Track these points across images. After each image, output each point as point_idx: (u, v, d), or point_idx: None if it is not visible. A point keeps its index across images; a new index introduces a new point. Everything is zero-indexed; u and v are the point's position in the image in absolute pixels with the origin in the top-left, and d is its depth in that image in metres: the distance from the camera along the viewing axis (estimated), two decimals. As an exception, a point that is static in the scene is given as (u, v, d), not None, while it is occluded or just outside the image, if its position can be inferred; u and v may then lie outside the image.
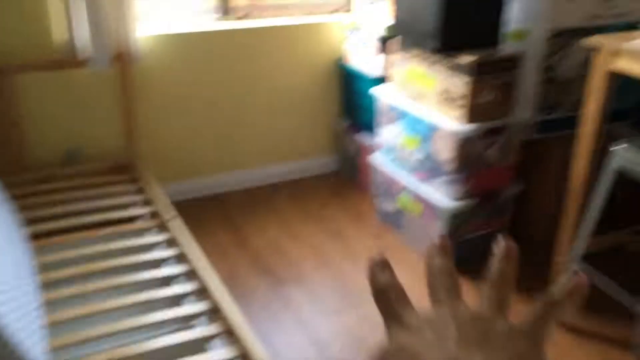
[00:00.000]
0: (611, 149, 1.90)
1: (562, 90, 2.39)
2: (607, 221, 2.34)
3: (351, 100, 3.08)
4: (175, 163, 2.94)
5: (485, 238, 2.53)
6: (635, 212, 2.40)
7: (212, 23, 2.87)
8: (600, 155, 2.05)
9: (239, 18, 2.91)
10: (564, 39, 2.29)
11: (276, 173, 3.17)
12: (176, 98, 2.83)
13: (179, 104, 2.85)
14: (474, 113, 2.22)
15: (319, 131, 3.22)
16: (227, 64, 2.88)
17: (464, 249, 2.49)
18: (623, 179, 1.96)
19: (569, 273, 2.10)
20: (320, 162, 3.27)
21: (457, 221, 2.39)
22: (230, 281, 2.32)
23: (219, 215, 2.86)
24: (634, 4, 2.31)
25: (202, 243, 2.16)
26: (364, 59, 2.87)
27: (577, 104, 2.40)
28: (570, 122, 2.43)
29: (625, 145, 1.87)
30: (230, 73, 2.90)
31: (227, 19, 2.89)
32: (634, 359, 1.90)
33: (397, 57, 2.51)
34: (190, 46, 2.79)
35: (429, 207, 2.45)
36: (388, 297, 0.38)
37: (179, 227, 2.09)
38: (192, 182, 3.00)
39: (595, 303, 2.29)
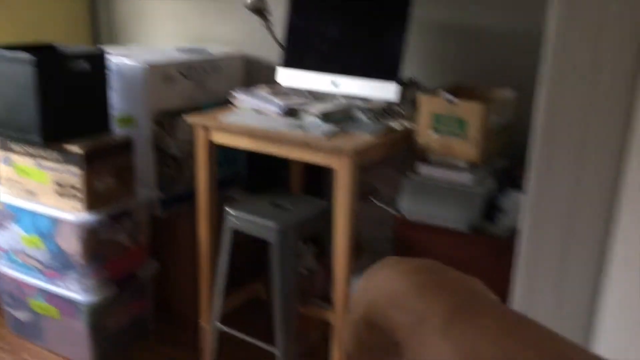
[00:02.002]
0: (226, 211, 2.10)
1: (178, 166, 2.56)
2: (241, 276, 2.56)
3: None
4: None
5: (131, 324, 2.49)
6: (261, 264, 2.68)
7: None
8: (220, 219, 2.25)
9: None
10: (169, 120, 2.47)
11: None
12: None
13: None
14: (94, 201, 2.19)
15: None
16: None
17: (110, 342, 2.41)
18: (244, 237, 2.18)
19: (213, 335, 2.21)
20: None
21: (99, 314, 2.31)
22: None
23: None
24: (223, 85, 2.63)
25: None
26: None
27: (193, 177, 2.59)
28: (192, 194, 2.60)
29: (235, 207, 2.09)
30: None
31: None
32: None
33: (0, 155, 2.33)
34: None
35: (66, 307, 2.30)
36: None
37: None
38: None
39: (243, 355, 2.46)
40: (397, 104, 2.21)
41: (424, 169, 2.01)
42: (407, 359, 0.33)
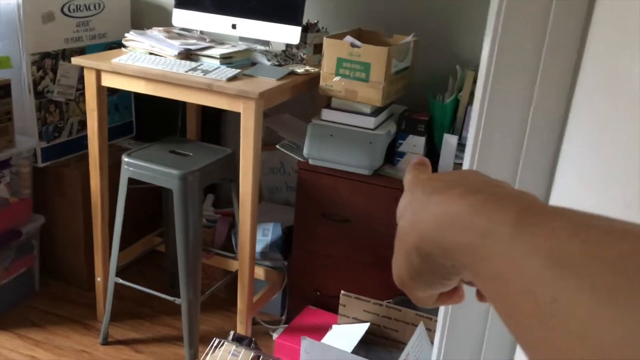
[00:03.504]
0: (123, 160, 1.98)
1: (62, 112, 2.36)
2: (137, 229, 2.46)
3: None
4: None
5: (14, 283, 2.32)
6: (158, 216, 2.58)
7: None
8: (113, 170, 2.12)
9: None
10: (51, 62, 2.26)
11: None
12: None
13: None
14: (-31, 150, 1.98)
15: None
16: None
17: (-5, 301, 2.24)
18: (139, 189, 2.08)
19: (110, 290, 2.11)
20: None
21: (-21, 273, 2.12)
22: None
23: None
24: (109, 26, 2.45)
25: None
26: None
27: (81, 124, 2.42)
28: (79, 143, 2.43)
29: (132, 156, 1.97)
30: None
31: None
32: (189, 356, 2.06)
33: None
34: None
35: (-61, 267, 2.09)
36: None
37: None
38: None
39: (142, 310, 2.38)
40: (298, 48, 2.18)
41: (327, 114, 2.02)
42: (469, 276, 0.32)
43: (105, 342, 2.19)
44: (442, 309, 1.12)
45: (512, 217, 0.29)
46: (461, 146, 2.01)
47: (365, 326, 1.48)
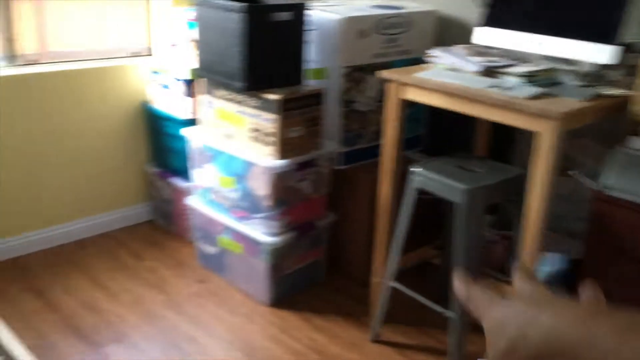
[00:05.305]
0: (411, 170, 2.07)
1: (362, 121, 2.57)
2: (414, 239, 2.54)
3: (161, 144, 3.00)
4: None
5: (304, 270, 2.58)
6: (435, 228, 2.63)
7: (-3, 70, 2.61)
8: (400, 179, 2.23)
9: (29, 64, 2.69)
10: (359, 75, 2.48)
11: (83, 228, 2.94)
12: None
13: (-39, 160, 2.52)
14: (285, 148, 2.28)
15: (128, 179, 3.06)
16: (20, 113, 2.63)
17: (285, 283, 2.52)
18: (421, 200, 2.15)
19: (385, 292, 2.22)
20: (131, 212, 3.10)
21: (279, 256, 2.42)
22: (39, 350, 2.08)
23: (20, 280, 2.56)
24: (414, 43, 2.58)
25: (2, 313, 1.91)
26: (171, 101, 2.82)
27: (377, 133, 2.60)
28: (373, 151, 2.61)
29: (421, 166, 2.05)
30: (24, 122, 2.65)
31: (15, 66, 2.65)
32: (451, 363, 2.06)
33: (205, 99, 2.50)
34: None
35: (250, 245, 2.44)
36: (476, 295, 0.45)
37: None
38: (-17, 247, 2.66)
39: (411, 316, 2.45)
40: (610, 69, 2.01)
41: (637, 142, 1.82)
42: None
43: (375, 341, 2.31)
44: None
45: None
46: None
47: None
